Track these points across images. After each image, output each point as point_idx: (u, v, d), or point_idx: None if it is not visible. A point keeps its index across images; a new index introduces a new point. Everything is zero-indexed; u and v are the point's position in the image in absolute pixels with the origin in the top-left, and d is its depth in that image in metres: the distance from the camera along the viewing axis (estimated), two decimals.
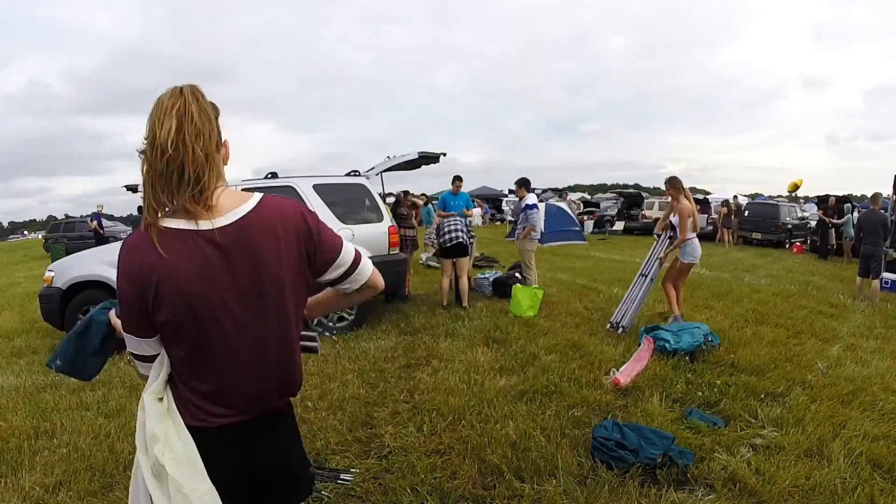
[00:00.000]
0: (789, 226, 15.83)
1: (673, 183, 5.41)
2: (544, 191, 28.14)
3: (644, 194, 23.71)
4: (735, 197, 20.06)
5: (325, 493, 2.56)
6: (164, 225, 1.03)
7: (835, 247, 12.88)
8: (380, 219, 5.82)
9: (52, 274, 5.18)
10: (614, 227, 20.57)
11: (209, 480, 1.07)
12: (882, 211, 7.61)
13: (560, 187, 27.06)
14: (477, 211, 29.65)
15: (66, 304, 5.04)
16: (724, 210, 16.24)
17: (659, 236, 5.78)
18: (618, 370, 3.95)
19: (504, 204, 30.32)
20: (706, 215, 17.15)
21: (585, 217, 21.46)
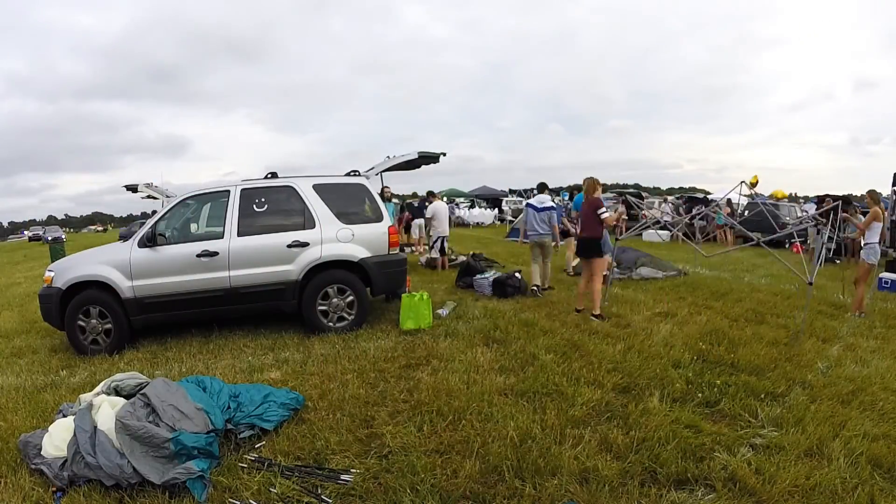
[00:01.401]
0: (789, 225, 15.83)
1: (871, 195, 6.47)
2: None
3: (644, 194, 23.67)
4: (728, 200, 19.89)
5: (326, 494, 2.56)
6: None
7: (834, 247, 12.85)
8: (380, 219, 5.82)
9: (52, 274, 5.18)
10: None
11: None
12: None
13: (551, 187, 27.06)
14: (487, 213, 29.46)
15: (66, 304, 5.04)
16: (728, 209, 16.23)
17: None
18: None
19: (504, 204, 30.29)
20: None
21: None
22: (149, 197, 12.51)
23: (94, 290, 5.08)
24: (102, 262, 5.19)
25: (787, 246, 15.45)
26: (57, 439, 2.83)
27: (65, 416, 3.09)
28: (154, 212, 14.94)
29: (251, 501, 2.51)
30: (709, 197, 21.12)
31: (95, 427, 2.78)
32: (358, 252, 5.59)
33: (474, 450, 2.88)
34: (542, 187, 8.27)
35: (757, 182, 17.25)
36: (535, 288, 7.28)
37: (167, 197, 11.13)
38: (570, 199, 12.24)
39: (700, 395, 3.61)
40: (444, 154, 7.25)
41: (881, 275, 8.17)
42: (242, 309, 5.45)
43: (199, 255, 5.20)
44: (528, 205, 7.73)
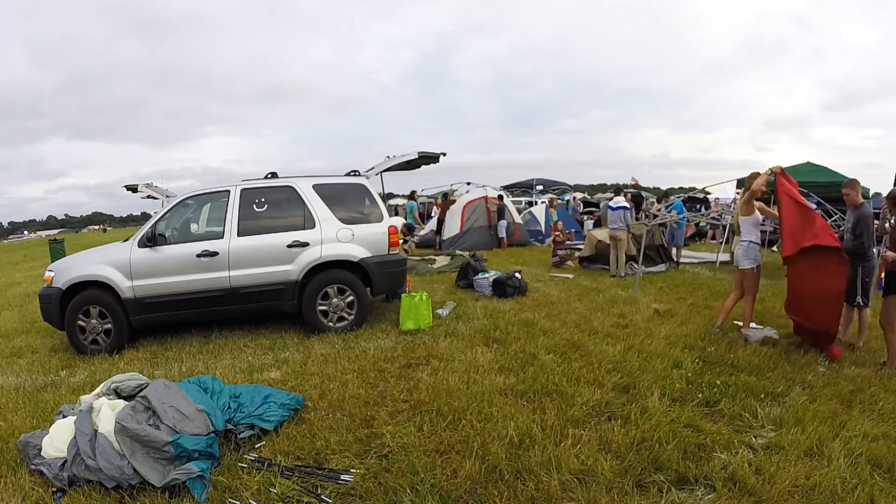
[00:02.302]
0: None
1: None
2: (542, 191, 27.94)
3: (644, 194, 23.62)
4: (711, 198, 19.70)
5: (326, 494, 2.56)
6: None
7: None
8: (380, 219, 5.82)
9: (52, 274, 5.18)
10: None
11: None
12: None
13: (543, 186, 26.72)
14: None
15: (66, 304, 5.04)
16: (717, 208, 16.35)
17: None
18: None
19: None
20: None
21: (585, 217, 21.40)
22: (149, 197, 12.51)
23: (94, 290, 5.08)
24: (102, 262, 5.19)
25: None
26: (57, 440, 2.83)
27: (65, 416, 3.09)
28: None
29: (251, 501, 2.51)
30: (708, 197, 21.07)
31: (96, 431, 2.78)
32: (358, 252, 5.59)
33: (474, 450, 2.88)
34: (617, 190, 10.53)
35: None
36: (613, 275, 8.53)
37: (167, 197, 11.13)
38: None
39: (700, 394, 3.60)
40: (445, 154, 7.26)
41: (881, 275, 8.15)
42: (242, 309, 5.45)
43: (199, 255, 5.20)
44: (606, 205, 9.33)
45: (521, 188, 26.19)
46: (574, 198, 23.92)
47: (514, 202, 18.10)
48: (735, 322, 5.39)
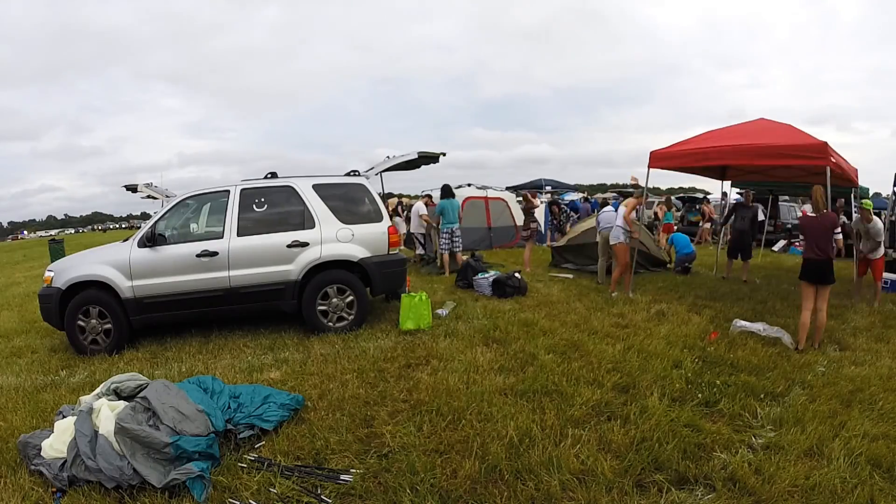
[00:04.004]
0: (788, 225, 15.80)
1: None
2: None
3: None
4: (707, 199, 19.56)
5: (325, 494, 2.56)
6: None
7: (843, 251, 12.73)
8: (379, 218, 5.82)
9: (52, 274, 5.18)
10: None
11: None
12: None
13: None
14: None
15: (66, 304, 5.04)
16: (707, 208, 16.61)
17: None
18: None
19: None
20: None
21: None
22: (149, 197, 12.50)
23: (93, 290, 5.07)
24: (102, 262, 5.19)
25: (789, 242, 15.35)
26: (57, 441, 2.83)
27: (65, 417, 3.09)
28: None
29: (251, 501, 2.51)
30: (708, 197, 21.06)
31: (96, 432, 2.78)
32: (357, 252, 5.59)
33: (474, 450, 2.88)
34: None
35: None
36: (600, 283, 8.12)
37: (167, 197, 11.13)
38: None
39: (700, 394, 3.61)
40: (444, 154, 7.28)
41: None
42: (242, 309, 5.44)
43: (198, 255, 5.20)
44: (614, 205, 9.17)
45: (530, 189, 26.08)
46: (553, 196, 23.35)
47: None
48: (737, 323, 5.38)
